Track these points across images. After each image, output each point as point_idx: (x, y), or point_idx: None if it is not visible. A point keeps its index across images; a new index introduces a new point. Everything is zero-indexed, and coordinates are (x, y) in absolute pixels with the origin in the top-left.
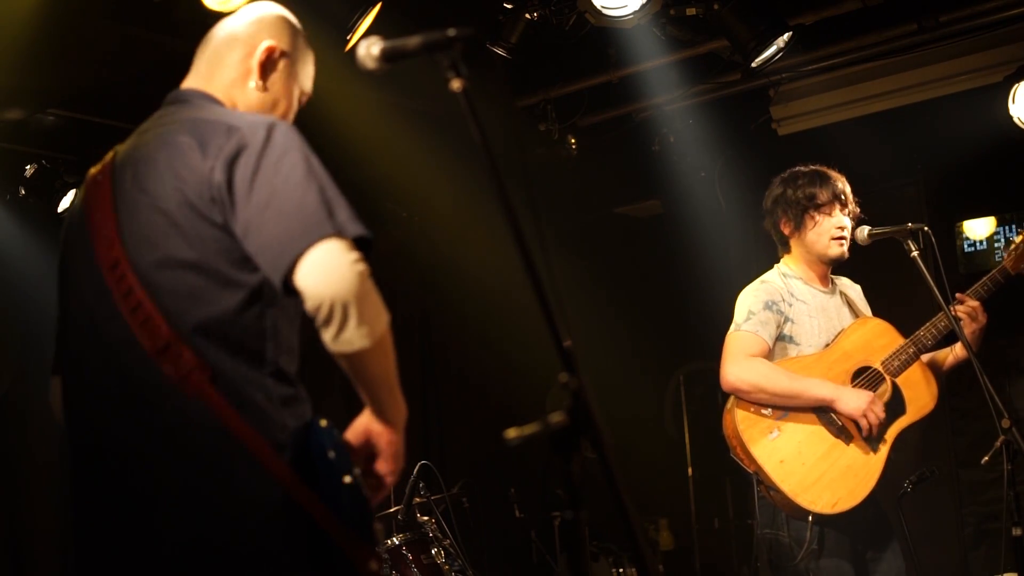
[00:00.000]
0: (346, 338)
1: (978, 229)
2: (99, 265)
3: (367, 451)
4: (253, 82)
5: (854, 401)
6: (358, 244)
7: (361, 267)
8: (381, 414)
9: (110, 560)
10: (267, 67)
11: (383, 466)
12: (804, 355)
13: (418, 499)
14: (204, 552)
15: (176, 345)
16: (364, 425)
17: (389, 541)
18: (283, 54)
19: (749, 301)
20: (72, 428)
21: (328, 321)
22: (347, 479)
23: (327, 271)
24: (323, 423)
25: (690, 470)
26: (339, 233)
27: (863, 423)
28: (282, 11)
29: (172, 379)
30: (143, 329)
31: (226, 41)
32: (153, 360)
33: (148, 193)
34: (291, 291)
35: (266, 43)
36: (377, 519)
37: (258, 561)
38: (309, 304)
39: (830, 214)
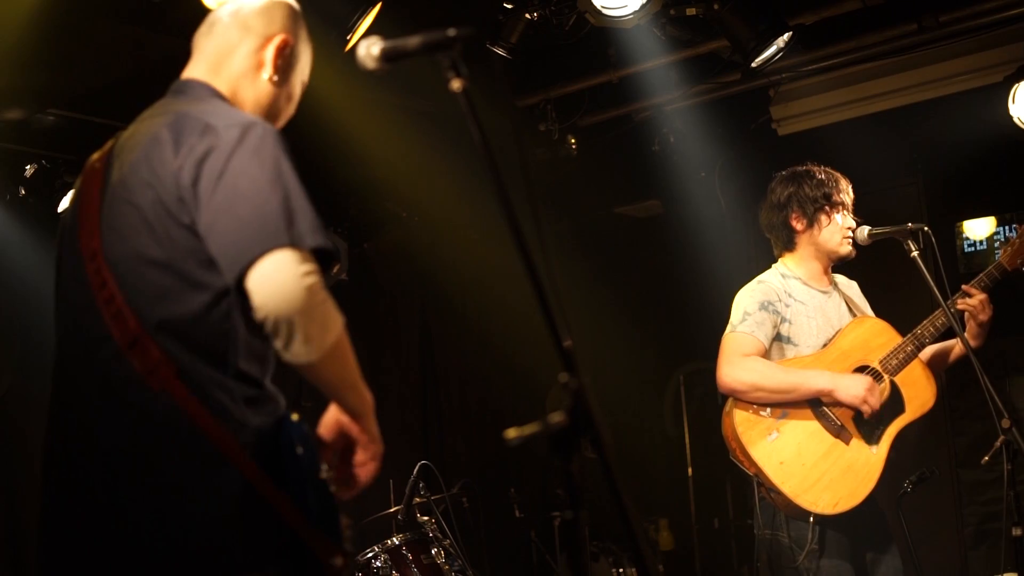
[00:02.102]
0: (293, 352)
1: (978, 229)
2: (81, 254)
3: (344, 442)
4: (266, 74)
5: (853, 388)
6: (319, 255)
7: (310, 280)
8: (346, 409)
9: (74, 554)
10: (280, 60)
11: (362, 454)
12: (802, 355)
13: (418, 499)
14: (169, 547)
15: (144, 339)
16: (333, 418)
17: (389, 541)
18: (293, 46)
19: (745, 302)
20: (50, 419)
21: (275, 333)
22: (313, 476)
23: (273, 285)
24: (294, 417)
25: (690, 470)
26: (294, 243)
27: (864, 409)
28: None
29: (141, 373)
30: (115, 321)
31: (237, 31)
32: (124, 353)
33: (126, 186)
34: (246, 296)
35: (281, 36)
36: (346, 518)
37: (222, 556)
38: (256, 315)
39: (842, 213)
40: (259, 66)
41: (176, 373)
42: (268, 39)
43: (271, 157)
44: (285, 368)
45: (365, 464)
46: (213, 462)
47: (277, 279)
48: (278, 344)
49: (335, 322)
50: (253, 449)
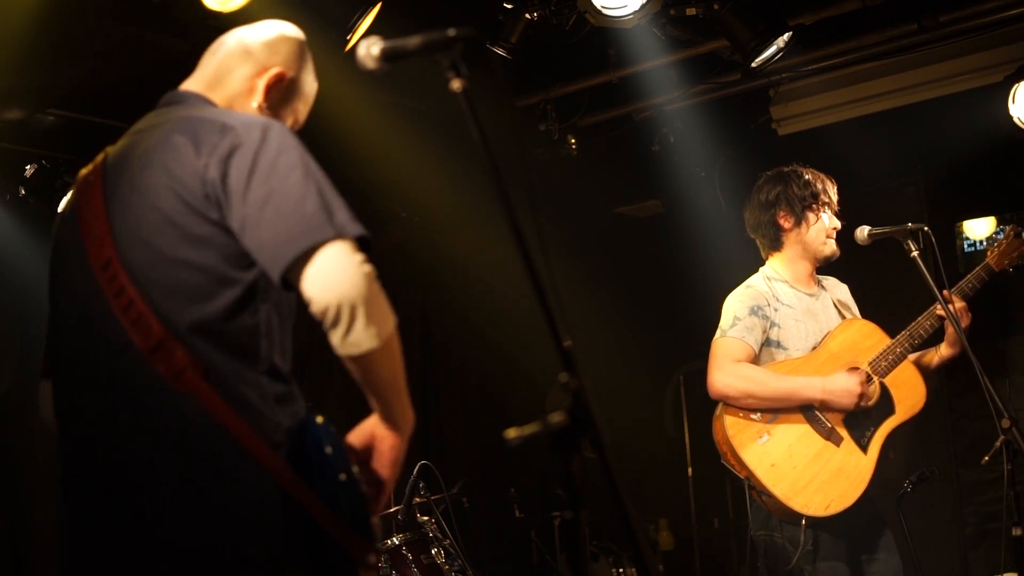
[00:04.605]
0: (354, 340)
1: (978, 229)
2: (91, 264)
3: (366, 454)
4: (255, 102)
5: (845, 397)
6: (359, 245)
7: (368, 268)
8: (389, 418)
9: (103, 563)
10: (272, 91)
11: (382, 471)
12: (792, 358)
13: (418, 499)
14: (201, 553)
15: (168, 343)
16: (370, 428)
17: (389, 541)
18: (291, 80)
19: (735, 307)
20: (64, 430)
21: (336, 323)
22: (343, 476)
23: (335, 273)
24: (319, 419)
25: (690, 470)
26: (340, 235)
27: (862, 404)
28: (296, 33)
29: (166, 378)
30: (135, 328)
31: (239, 54)
32: (146, 359)
33: (141, 191)
34: (290, 287)
35: (277, 68)
36: (375, 517)
37: (256, 561)
38: (315, 308)
39: (828, 213)
40: (251, 92)
41: (204, 375)
42: (265, 69)
43: (297, 153)
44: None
45: (377, 485)
46: (243, 465)
47: (338, 268)
48: (337, 334)
49: (391, 313)
50: (285, 450)
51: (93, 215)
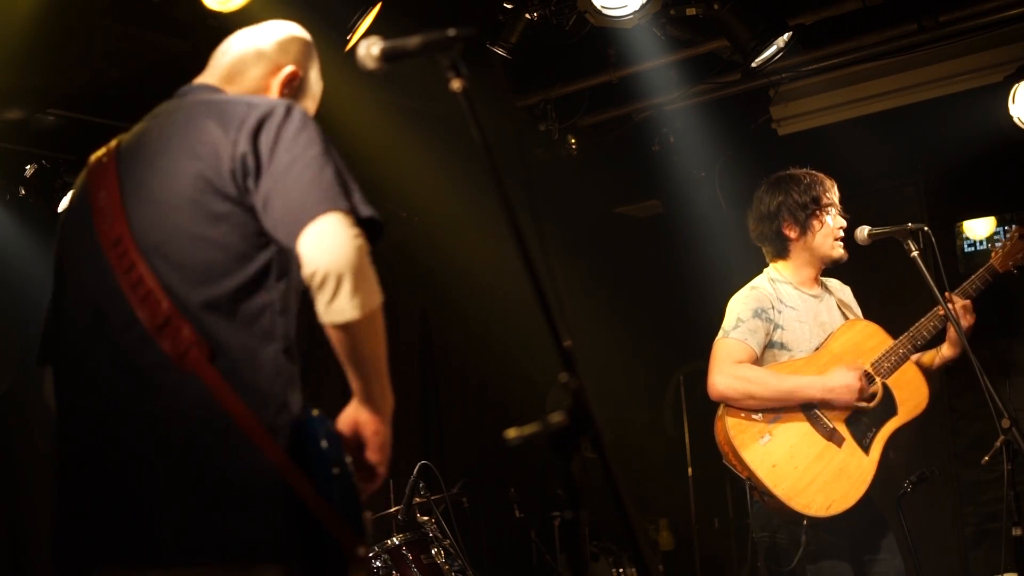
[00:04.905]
0: (337, 307)
1: (978, 229)
2: (101, 243)
3: (355, 442)
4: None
5: (846, 394)
6: (368, 227)
7: (361, 242)
8: (368, 400)
9: (96, 543)
10: (286, 89)
11: (371, 456)
12: (794, 359)
13: (418, 499)
14: (195, 535)
15: (176, 320)
16: (351, 415)
17: (389, 541)
18: (302, 79)
19: (738, 308)
20: (63, 413)
21: (322, 287)
22: (337, 470)
23: (327, 239)
24: (315, 412)
25: (690, 470)
26: (351, 210)
27: (861, 405)
28: (304, 33)
29: (170, 356)
30: (143, 305)
31: (253, 54)
32: (152, 337)
33: (160, 172)
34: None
35: (291, 68)
36: (368, 511)
37: (248, 549)
38: (306, 270)
39: (832, 214)
40: (265, 90)
41: (209, 355)
42: (279, 67)
43: (317, 133)
44: None
45: (370, 472)
46: (241, 451)
47: (331, 235)
48: (322, 300)
49: (378, 290)
50: (286, 436)
51: (106, 195)
